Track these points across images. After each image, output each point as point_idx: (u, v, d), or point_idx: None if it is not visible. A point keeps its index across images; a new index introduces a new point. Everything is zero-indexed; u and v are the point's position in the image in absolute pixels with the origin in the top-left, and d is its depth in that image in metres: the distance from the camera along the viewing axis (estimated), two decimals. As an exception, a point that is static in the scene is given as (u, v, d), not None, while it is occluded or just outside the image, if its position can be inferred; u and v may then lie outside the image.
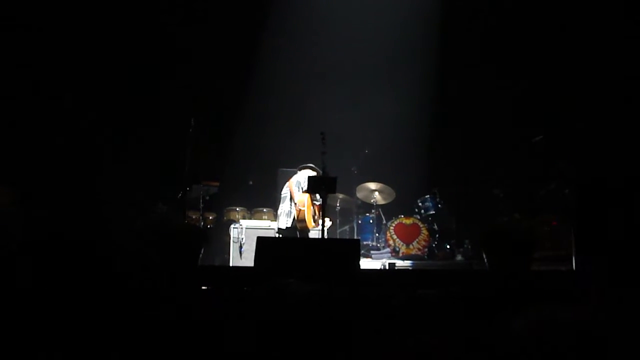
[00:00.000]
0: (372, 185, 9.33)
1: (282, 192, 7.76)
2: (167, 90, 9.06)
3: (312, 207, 7.54)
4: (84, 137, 8.31)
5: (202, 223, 8.55)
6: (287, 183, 7.75)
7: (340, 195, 9.12)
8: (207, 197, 8.86)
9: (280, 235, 7.58)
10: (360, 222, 9.39)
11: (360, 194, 9.41)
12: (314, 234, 7.83)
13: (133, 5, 8.51)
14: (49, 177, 7.74)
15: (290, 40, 9.27)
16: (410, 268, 8.21)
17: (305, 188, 7.35)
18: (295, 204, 7.43)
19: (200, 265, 4.93)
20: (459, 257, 8.83)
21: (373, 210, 9.36)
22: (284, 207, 7.62)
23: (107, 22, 8.37)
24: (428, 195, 9.41)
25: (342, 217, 9.45)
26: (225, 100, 9.60)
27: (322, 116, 8.91)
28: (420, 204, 9.43)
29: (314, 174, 7.64)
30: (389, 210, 9.47)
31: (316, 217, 7.70)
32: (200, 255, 4.92)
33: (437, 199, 9.39)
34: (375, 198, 9.33)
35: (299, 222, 7.40)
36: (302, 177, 7.59)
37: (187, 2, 9.03)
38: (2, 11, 7.76)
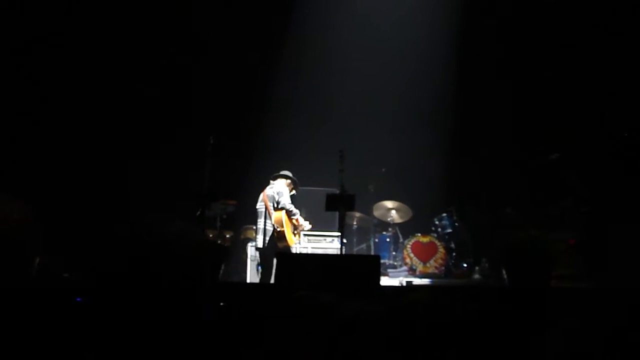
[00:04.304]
0: (389, 204, 9.36)
1: (258, 206, 7.51)
2: (187, 107, 9.17)
3: (290, 224, 7.37)
4: (101, 151, 8.42)
5: (220, 241, 8.58)
6: (262, 196, 7.51)
7: (357, 214, 9.15)
8: (224, 216, 8.92)
9: (259, 254, 7.47)
10: (377, 240, 9.38)
11: (377, 213, 9.43)
12: (334, 250, 7.83)
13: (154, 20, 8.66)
14: (63, 191, 7.81)
15: (309, 57, 9.35)
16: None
17: (279, 201, 7.27)
18: (273, 224, 7.23)
19: (220, 282, 4.99)
20: (476, 276, 8.76)
21: (390, 229, 9.37)
22: (260, 223, 7.41)
23: (120, 31, 8.51)
24: (444, 214, 9.40)
25: (359, 235, 9.48)
26: (243, 117, 9.67)
27: (341, 134, 8.96)
28: (436, 222, 9.42)
29: (288, 182, 7.57)
30: (406, 229, 9.48)
31: (296, 231, 7.57)
32: (221, 271, 4.98)
33: (454, 217, 9.37)
34: (392, 216, 9.35)
35: (279, 242, 7.18)
36: (276, 189, 7.42)
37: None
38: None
